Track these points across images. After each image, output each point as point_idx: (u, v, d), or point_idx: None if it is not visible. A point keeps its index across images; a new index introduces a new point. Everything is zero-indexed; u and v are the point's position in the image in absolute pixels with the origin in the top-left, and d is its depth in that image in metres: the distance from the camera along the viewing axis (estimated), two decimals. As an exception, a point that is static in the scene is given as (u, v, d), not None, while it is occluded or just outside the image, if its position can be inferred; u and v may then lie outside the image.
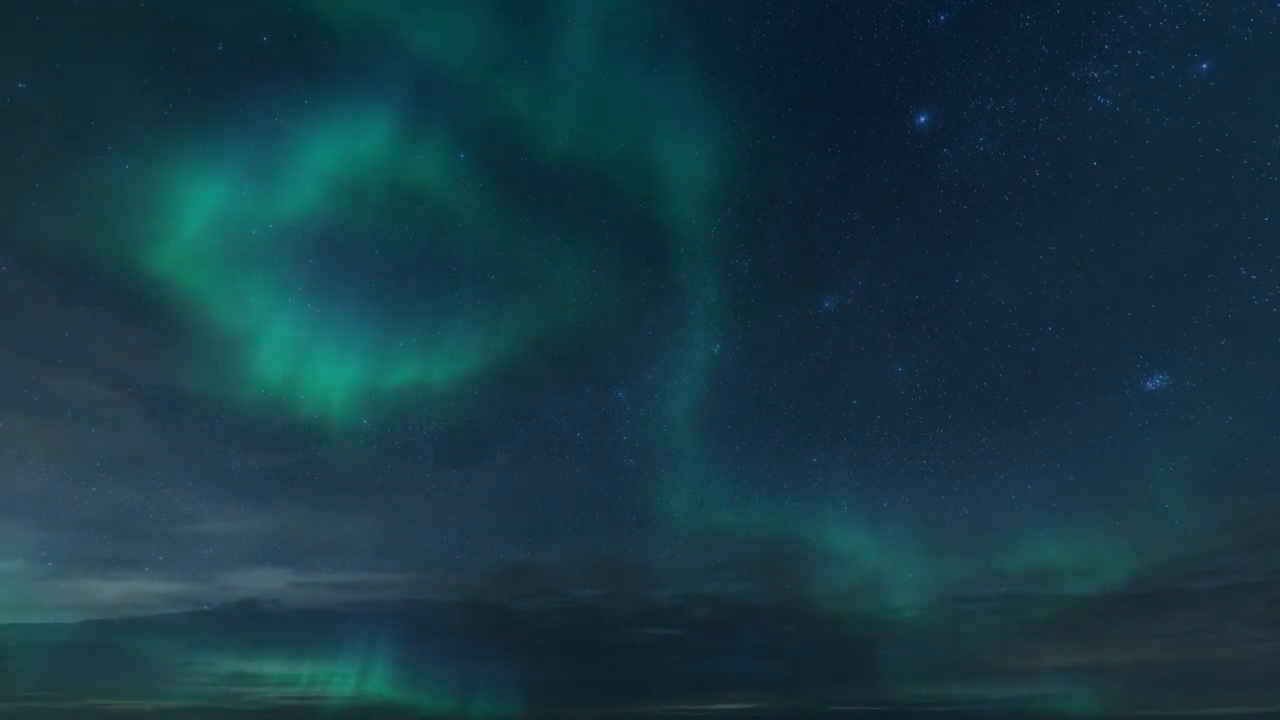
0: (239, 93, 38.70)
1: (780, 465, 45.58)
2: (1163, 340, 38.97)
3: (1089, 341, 40.94)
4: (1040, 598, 44.89)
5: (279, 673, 47.56)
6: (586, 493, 46.78)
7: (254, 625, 47.90)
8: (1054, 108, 37.81)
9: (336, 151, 40.90)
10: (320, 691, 46.53)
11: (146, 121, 37.53)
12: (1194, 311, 37.91)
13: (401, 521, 46.55)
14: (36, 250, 38.40)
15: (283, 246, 41.41)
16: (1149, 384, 39.39)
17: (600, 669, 49.30)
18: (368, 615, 47.62)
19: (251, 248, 40.92)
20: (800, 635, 46.82)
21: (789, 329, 44.53)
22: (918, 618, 46.58)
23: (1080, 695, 42.33)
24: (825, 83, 41.22)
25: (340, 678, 47.26)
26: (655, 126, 42.52)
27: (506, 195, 43.52)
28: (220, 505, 44.06)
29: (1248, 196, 35.60)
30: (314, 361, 43.20)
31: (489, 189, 43.16)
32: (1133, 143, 37.22)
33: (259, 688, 46.60)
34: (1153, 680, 42.51)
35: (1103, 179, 38.01)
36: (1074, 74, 37.34)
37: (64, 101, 36.76)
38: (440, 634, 48.68)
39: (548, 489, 47.15)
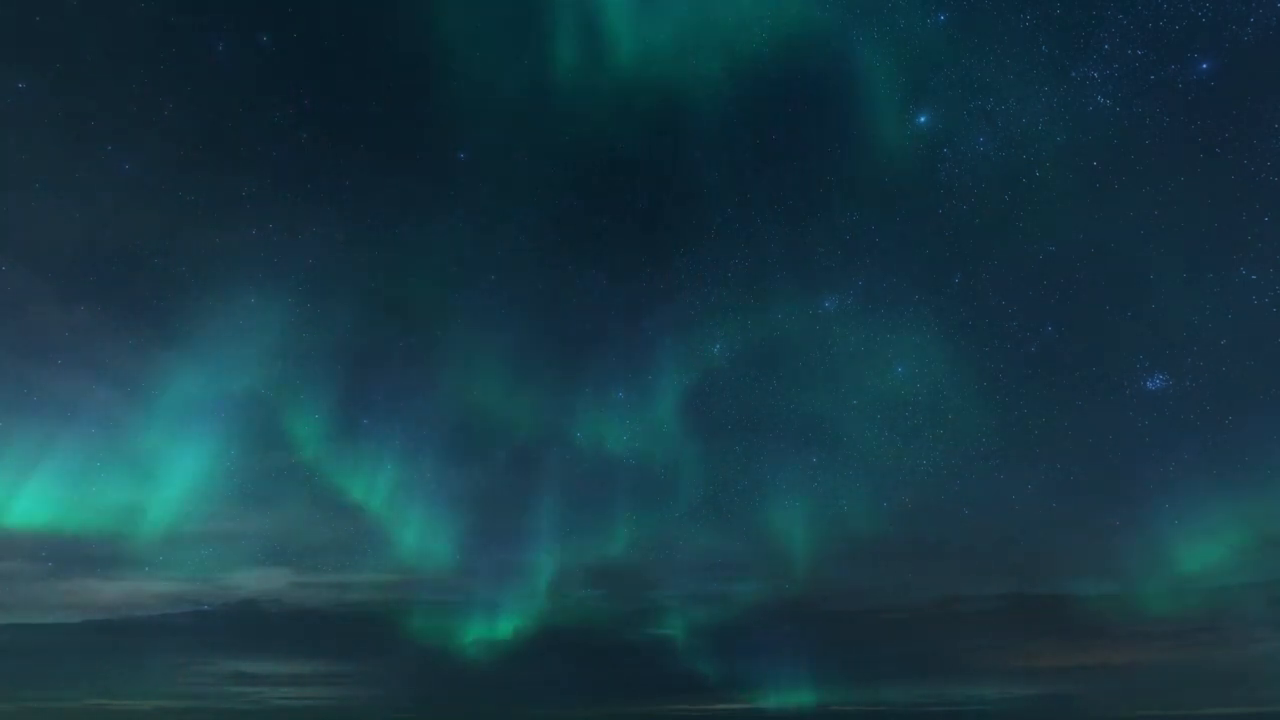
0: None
1: (780, 466, 45.52)
2: (1163, 340, 39.03)
3: (1089, 341, 40.96)
4: (1040, 598, 44.93)
5: (279, 673, 47.53)
6: (586, 493, 46.76)
7: (254, 625, 47.86)
8: (1054, 108, 37.83)
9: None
10: (321, 692, 46.55)
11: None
12: (1194, 311, 37.94)
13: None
14: (36, 250, 38.50)
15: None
16: (1149, 384, 39.42)
17: (600, 669, 49.27)
18: (368, 615, 47.62)
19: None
20: (800, 635, 46.78)
21: (789, 329, 44.44)
22: (917, 618, 46.70)
23: (1080, 695, 42.32)
24: (824, 82, 41.18)
25: (341, 678, 47.27)
26: (654, 126, 42.67)
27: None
28: (220, 505, 44.03)
29: (1248, 196, 35.66)
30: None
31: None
32: (1133, 143, 37.25)
33: (259, 688, 46.56)
34: (1153, 680, 42.51)
35: (1103, 179, 38.00)
36: (1074, 74, 37.36)
37: (64, 101, 36.89)
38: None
39: (548, 489, 47.05)
